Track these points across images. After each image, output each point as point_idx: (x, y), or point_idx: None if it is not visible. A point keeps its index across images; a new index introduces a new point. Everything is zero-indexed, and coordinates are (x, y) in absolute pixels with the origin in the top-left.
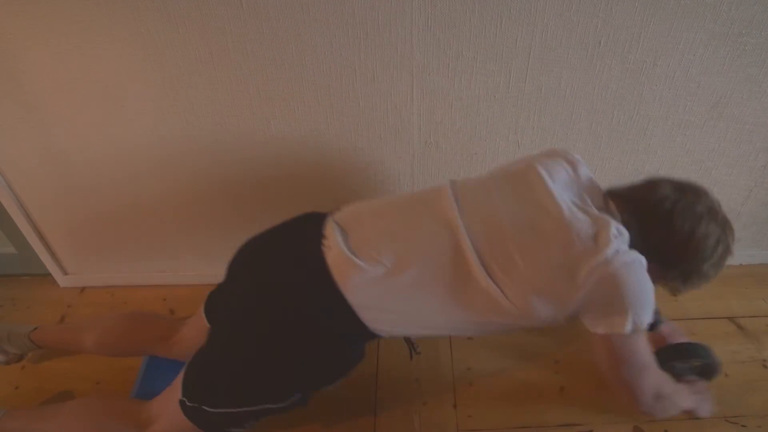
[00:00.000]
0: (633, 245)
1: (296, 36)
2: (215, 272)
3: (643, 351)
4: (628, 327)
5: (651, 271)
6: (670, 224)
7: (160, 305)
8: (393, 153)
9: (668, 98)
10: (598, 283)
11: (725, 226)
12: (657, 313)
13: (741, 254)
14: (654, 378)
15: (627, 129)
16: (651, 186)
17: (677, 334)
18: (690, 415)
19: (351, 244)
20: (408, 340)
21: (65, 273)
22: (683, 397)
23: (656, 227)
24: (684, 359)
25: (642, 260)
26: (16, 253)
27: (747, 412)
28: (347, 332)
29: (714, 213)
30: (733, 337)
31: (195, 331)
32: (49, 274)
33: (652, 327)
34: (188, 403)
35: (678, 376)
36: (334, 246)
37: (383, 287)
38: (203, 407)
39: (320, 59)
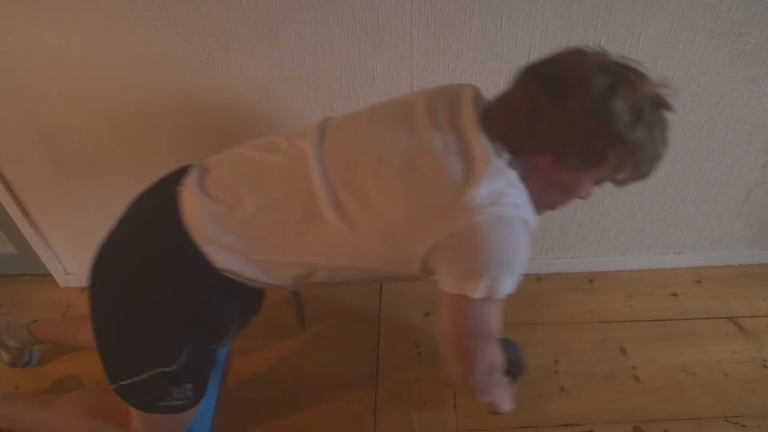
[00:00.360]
0: (521, 146)
1: (296, 36)
2: None
3: (493, 321)
4: (480, 291)
5: (551, 165)
6: (537, 99)
7: None
8: None
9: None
10: (456, 234)
11: (623, 75)
12: None
13: (741, 254)
14: (493, 351)
15: None
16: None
17: None
18: (491, 408)
19: (204, 183)
20: (299, 308)
21: (66, 273)
22: (500, 385)
23: (524, 112)
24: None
25: (520, 219)
26: (16, 253)
27: (747, 412)
28: (198, 276)
29: (605, 65)
30: (733, 337)
31: None
32: (49, 274)
33: None
34: (113, 387)
35: None
36: (187, 185)
37: (226, 225)
38: (120, 384)
39: (320, 59)
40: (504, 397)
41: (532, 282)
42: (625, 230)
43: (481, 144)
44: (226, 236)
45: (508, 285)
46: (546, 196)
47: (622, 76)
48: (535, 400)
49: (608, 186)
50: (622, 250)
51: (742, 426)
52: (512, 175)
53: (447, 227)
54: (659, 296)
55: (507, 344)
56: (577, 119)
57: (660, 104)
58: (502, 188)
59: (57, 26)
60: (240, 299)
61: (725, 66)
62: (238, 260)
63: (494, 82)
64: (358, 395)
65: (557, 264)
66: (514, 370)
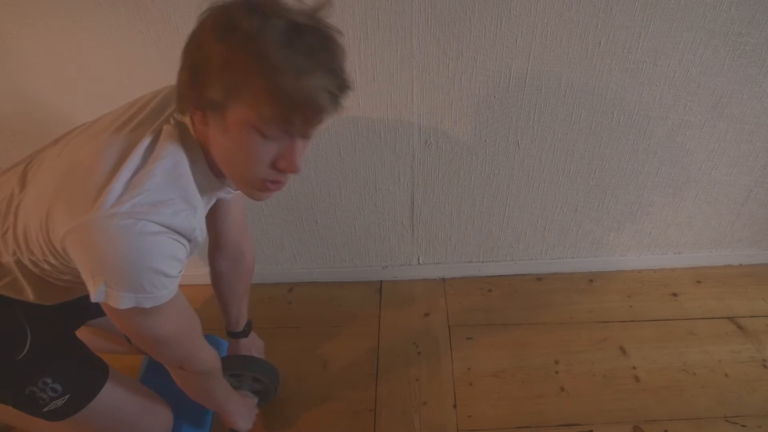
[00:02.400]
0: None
1: None
2: None
3: (143, 328)
4: (97, 296)
5: (206, 121)
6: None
7: None
8: (393, 153)
9: (668, 98)
10: (77, 229)
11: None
12: (249, 323)
13: (741, 254)
14: (176, 350)
15: (627, 129)
16: None
17: (254, 348)
18: (228, 424)
19: None
20: None
21: None
22: (227, 394)
23: (182, 78)
24: (235, 371)
25: (133, 224)
26: None
27: (747, 412)
28: None
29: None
30: (733, 337)
31: None
32: None
33: (238, 335)
34: None
35: (236, 387)
36: None
37: None
38: None
39: None
40: (240, 415)
41: (532, 282)
42: (625, 230)
43: (147, 134)
44: None
45: (124, 298)
46: (232, 168)
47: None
48: (535, 400)
49: (608, 186)
50: (622, 250)
51: (742, 426)
52: (163, 163)
53: (75, 220)
54: (659, 296)
55: (258, 364)
56: (220, 53)
57: (287, 19)
58: (137, 184)
59: (57, 26)
60: (19, 310)
61: (725, 66)
62: None
63: (494, 82)
64: (358, 395)
65: (557, 264)
66: (260, 390)
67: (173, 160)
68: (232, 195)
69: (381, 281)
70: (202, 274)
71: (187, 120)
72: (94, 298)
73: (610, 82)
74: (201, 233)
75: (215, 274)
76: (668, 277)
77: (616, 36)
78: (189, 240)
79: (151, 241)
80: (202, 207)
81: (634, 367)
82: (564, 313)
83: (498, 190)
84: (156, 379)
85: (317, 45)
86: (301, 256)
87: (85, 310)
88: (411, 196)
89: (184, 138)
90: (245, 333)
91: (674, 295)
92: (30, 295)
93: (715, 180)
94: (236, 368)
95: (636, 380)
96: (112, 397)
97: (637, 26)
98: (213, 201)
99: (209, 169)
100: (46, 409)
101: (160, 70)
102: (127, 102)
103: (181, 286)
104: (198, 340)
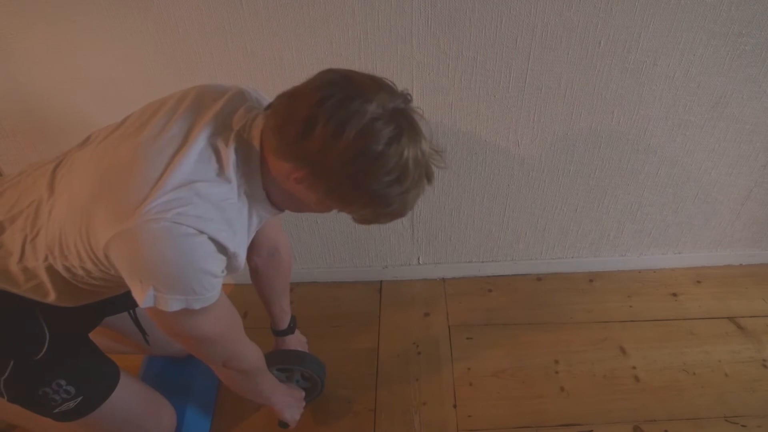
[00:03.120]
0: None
1: (296, 36)
2: None
3: (189, 327)
4: (148, 301)
5: (302, 182)
6: (316, 115)
7: None
8: None
9: (668, 98)
10: (122, 235)
11: (407, 133)
12: (293, 319)
13: (741, 254)
14: (221, 349)
15: (627, 129)
16: (318, 74)
17: (299, 345)
18: (276, 415)
19: None
20: (137, 323)
21: None
22: (272, 387)
23: (299, 120)
24: (284, 365)
25: (176, 227)
26: None
27: (747, 412)
28: None
29: (394, 116)
30: (733, 337)
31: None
32: None
33: (284, 332)
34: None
35: (284, 381)
36: None
37: None
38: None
39: (320, 59)
40: (287, 406)
41: (532, 282)
42: (625, 230)
43: (192, 140)
44: None
45: (174, 301)
46: (286, 202)
47: (404, 128)
48: (535, 400)
49: (608, 186)
50: (622, 250)
51: (742, 426)
52: (216, 186)
53: (119, 225)
54: (659, 296)
55: (307, 359)
56: (346, 153)
57: (426, 171)
58: (184, 198)
59: (57, 26)
60: (39, 310)
61: (725, 66)
62: None
63: (494, 82)
64: (358, 395)
65: (557, 264)
66: (309, 386)
67: (227, 190)
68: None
69: (381, 281)
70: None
71: (256, 141)
72: (143, 304)
73: (610, 82)
74: (240, 258)
75: (253, 272)
76: (668, 277)
77: (616, 36)
78: (226, 256)
79: (197, 242)
80: (244, 234)
81: (634, 367)
82: (564, 313)
83: (498, 190)
84: (156, 377)
85: (421, 194)
86: (301, 256)
87: (101, 311)
88: None
89: (245, 160)
90: (290, 330)
91: (674, 295)
92: (53, 298)
93: (715, 180)
94: (286, 362)
95: (636, 380)
96: (122, 398)
97: (637, 26)
98: (263, 220)
99: (266, 197)
100: (57, 410)
101: (160, 70)
102: (148, 102)
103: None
104: (242, 338)
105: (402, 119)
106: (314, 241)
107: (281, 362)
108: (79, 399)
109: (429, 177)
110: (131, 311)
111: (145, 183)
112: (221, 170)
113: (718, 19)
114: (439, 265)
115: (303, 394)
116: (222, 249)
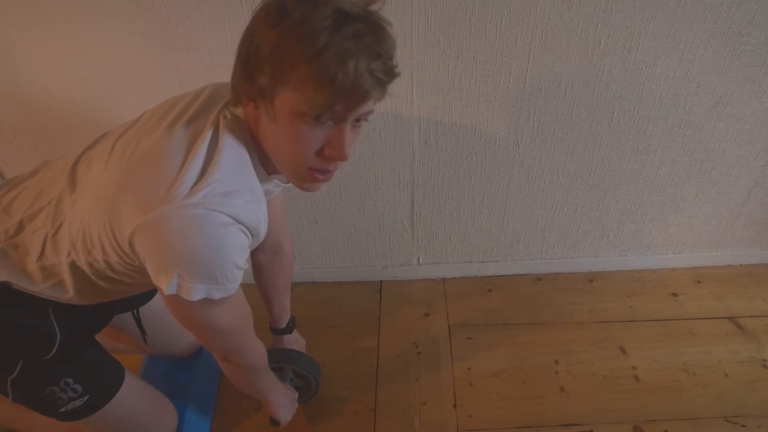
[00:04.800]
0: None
1: None
2: None
3: (205, 317)
4: (171, 288)
5: (255, 110)
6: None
7: None
8: (393, 153)
9: (668, 98)
10: (149, 223)
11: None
12: (292, 319)
13: (741, 254)
14: (230, 341)
15: (627, 129)
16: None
17: (297, 345)
18: (269, 412)
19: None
20: (138, 323)
21: None
22: (270, 385)
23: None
24: (277, 363)
25: (207, 214)
26: None
27: (747, 412)
28: None
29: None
30: (733, 337)
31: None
32: None
33: (282, 331)
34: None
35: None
36: None
37: None
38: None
39: None
40: (281, 405)
41: (532, 282)
42: (625, 230)
43: (207, 126)
44: None
45: (197, 290)
46: (281, 157)
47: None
48: (535, 400)
49: (608, 186)
50: (622, 250)
51: (742, 426)
52: (228, 154)
53: (146, 214)
54: (659, 296)
55: (301, 358)
56: (271, 41)
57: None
58: (206, 175)
59: (57, 26)
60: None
61: (725, 66)
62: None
63: (494, 82)
64: (358, 395)
65: (557, 264)
66: (302, 386)
67: (237, 152)
68: (279, 189)
69: (381, 281)
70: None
71: (240, 112)
72: (167, 291)
73: (610, 82)
74: (264, 226)
75: (256, 269)
76: (668, 277)
77: (616, 36)
78: (252, 234)
79: (226, 231)
80: (264, 199)
81: (634, 367)
82: (564, 313)
83: (498, 190)
84: (156, 378)
85: (364, 31)
86: (301, 256)
87: (110, 310)
88: (411, 196)
89: (240, 130)
90: (289, 330)
91: (674, 295)
92: (70, 296)
93: (715, 180)
94: (279, 361)
95: (636, 380)
96: (127, 397)
97: (637, 26)
98: (269, 194)
99: (260, 163)
100: (63, 409)
101: (160, 71)
102: (164, 100)
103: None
104: (251, 332)
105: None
106: (314, 241)
107: (274, 360)
108: (86, 398)
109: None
110: (134, 311)
111: (169, 171)
112: (228, 143)
113: (718, 19)
114: (439, 265)
115: (296, 395)
116: (251, 225)
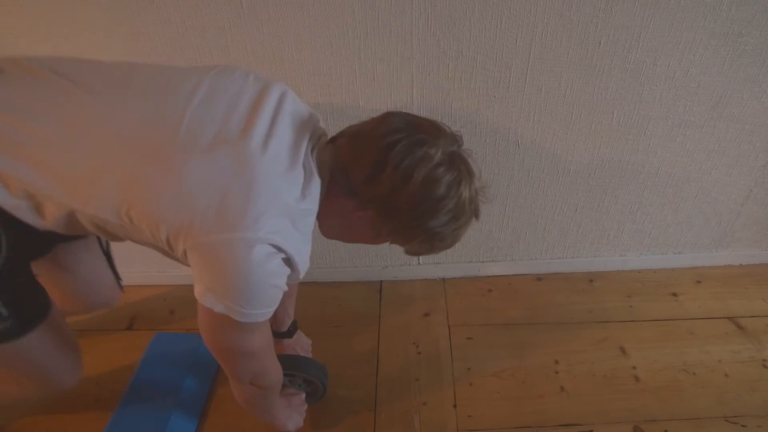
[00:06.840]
0: (336, 186)
1: (296, 36)
2: None
3: (240, 341)
4: (219, 308)
5: (365, 219)
6: (385, 160)
7: (161, 305)
8: None
9: (668, 98)
10: (197, 249)
11: (464, 177)
12: (294, 323)
13: (741, 254)
14: (255, 364)
15: (627, 129)
16: (381, 118)
17: (300, 347)
18: (280, 428)
19: None
20: (112, 268)
21: None
22: (280, 402)
23: (368, 164)
24: (289, 371)
25: (276, 249)
26: None
27: (747, 412)
28: None
29: (453, 160)
30: (733, 337)
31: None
32: None
33: (282, 335)
34: None
35: (285, 383)
36: None
37: None
38: None
39: (320, 59)
40: (288, 417)
41: (532, 282)
42: (625, 230)
43: (299, 165)
44: None
45: (247, 314)
46: (337, 232)
47: (462, 172)
48: (535, 400)
49: (608, 186)
50: (622, 250)
51: (742, 426)
52: (305, 207)
53: (210, 235)
54: (659, 296)
55: (312, 365)
56: (413, 197)
57: (475, 208)
58: (276, 223)
59: (57, 26)
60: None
61: (725, 66)
62: None
63: (494, 82)
64: (358, 395)
65: (557, 264)
66: (310, 390)
67: (314, 203)
68: None
69: (381, 281)
70: None
71: (321, 170)
72: (216, 310)
73: (610, 82)
74: (302, 275)
75: None
76: (668, 277)
77: (616, 36)
78: (293, 271)
79: (276, 263)
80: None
81: (634, 367)
82: (564, 313)
83: (498, 190)
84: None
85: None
86: None
87: (52, 241)
88: None
89: (313, 186)
90: (289, 333)
91: (674, 295)
92: (40, 224)
93: (715, 180)
94: (292, 369)
95: (636, 380)
96: (45, 333)
97: (637, 26)
98: None
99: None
100: None
101: None
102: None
103: None
104: (273, 354)
105: (460, 163)
106: (314, 242)
107: (286, 368)
108: (8, 323)
109: (477, 214)
110: (102, 242)
111: (233, 199)
112: (303, 193)
113: (718, 19)
114: (438, 265)
115: (302, 397)
116: (296, 268)
